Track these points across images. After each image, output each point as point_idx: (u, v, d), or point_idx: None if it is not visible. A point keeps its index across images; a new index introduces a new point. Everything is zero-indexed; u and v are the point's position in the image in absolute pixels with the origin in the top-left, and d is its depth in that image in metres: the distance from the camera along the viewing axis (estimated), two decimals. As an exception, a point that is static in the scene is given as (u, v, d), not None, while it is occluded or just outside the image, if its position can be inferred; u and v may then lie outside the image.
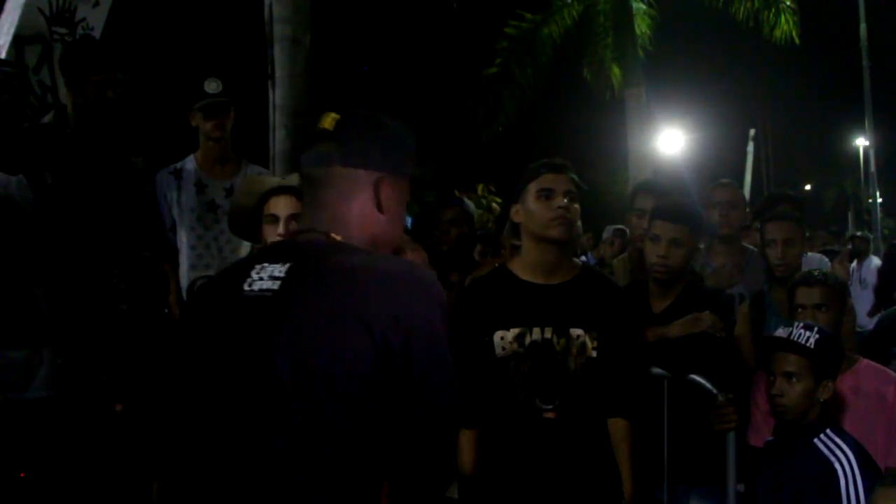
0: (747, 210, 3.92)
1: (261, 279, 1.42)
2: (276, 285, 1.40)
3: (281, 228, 2.51)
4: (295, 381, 1.33)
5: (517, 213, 2.55)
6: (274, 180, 2.66)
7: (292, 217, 2.54)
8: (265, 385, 1.34)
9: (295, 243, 1.51)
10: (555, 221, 2.46)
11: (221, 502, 1.34)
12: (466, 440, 2.52)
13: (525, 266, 2.56)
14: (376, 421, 1.34)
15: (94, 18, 3.92)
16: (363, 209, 1.51)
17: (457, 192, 4.48)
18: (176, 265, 3.47)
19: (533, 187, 2.50)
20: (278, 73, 5.60)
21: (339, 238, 1.47)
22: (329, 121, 1.52)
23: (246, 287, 1.42)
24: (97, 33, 3.91)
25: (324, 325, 1.34)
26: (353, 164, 1.50)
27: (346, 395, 1.32)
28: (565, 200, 2.46)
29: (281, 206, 2.53)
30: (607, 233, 6.33)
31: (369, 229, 1.51)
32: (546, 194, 2.47)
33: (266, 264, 1.44)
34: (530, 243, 2.55)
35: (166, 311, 3.32)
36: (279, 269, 1.42)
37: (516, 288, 2.53)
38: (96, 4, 3.93)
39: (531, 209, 2.50)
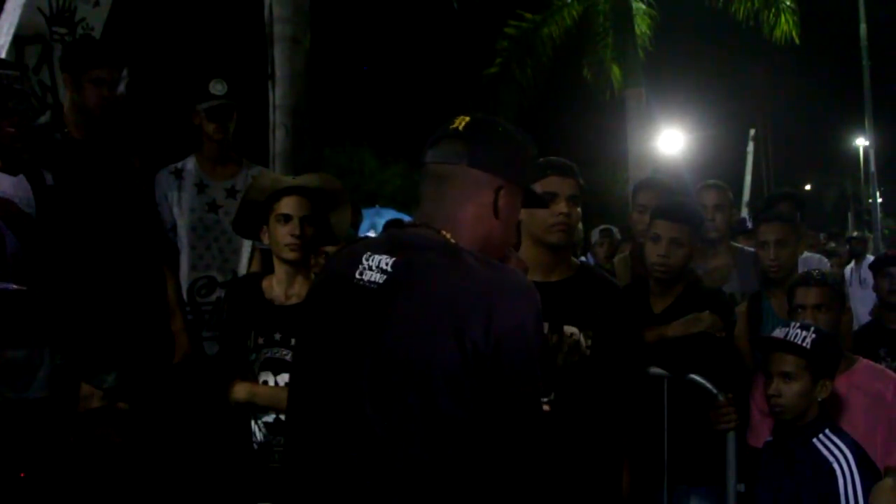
0: (735, 211, 3.91)
1: (370, 269, 1.48)
2: (381, 278, 1.46)
3: (296, 229, 2.52)
4: (385, 375, 1.39)
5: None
6: (286, 179, 2.67)
7: (305, 219, 2.55)
8: (360, 376, 1.41)
9: (406, 235, 1.56)
10: (555, 227, 2.45)
11: (328, 486, 1.43)
12: None
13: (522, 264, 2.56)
14: (461, 419, 1.38)
15: (94, 18, 3.92)
16: (480, 211, 1.54)
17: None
18: (176, 265, 3.47)
19: (537, 188, 2.48)
20: (278, 73, 5.60)
21: (449, 237, 1.51)
22: (461, 122, 1.56)
23: (357, 275, 1.49)
24: (97, 33, 3.91)
25: (418, 325, 1.40)
26: (480, 166, 1.54)
27: (433, 393, 1.37)
28: (568, 205, 2.45)
29: (294, 206, 2.54)
30: (595, 235, 6.31)
31: (482, 232, 1.55)
32: (549, 198, 2.45)
33: (376, 254, 1.50)
34: (529, 242, 2.55)
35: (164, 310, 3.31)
36: (386, 262, 1.48)
37: None
38: (96, 4, 3.93)
39: (533, 210, 2.49)
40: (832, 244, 9.07)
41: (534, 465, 1.44)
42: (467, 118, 1.57)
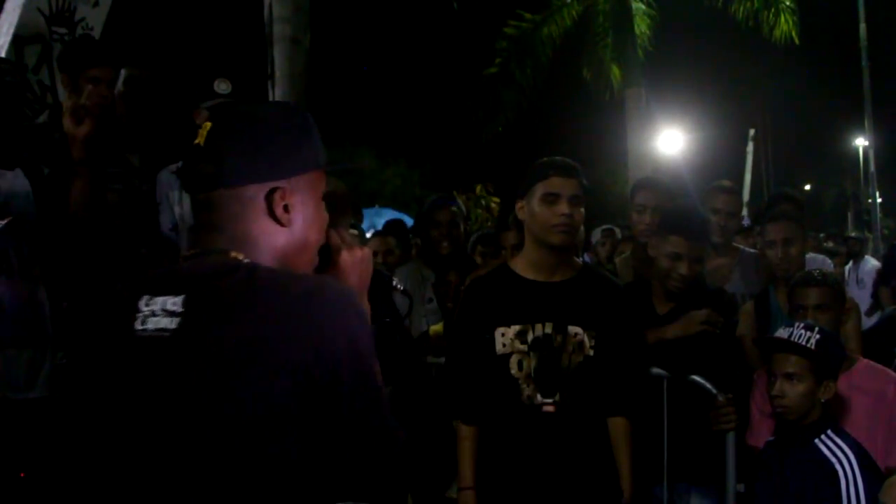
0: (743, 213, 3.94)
1: (154, 315, 1.22)
2: (172, 323, 1.21)
3: None
4: (205, 432, 1.17)
5: (521, 210, 2.54)
6: None
7: None
8: (174, 440, 1.18)
9: (189, 268, 1.29)
10: (557, 228, 2.45)
11: None
12: (467, 436, 2.53)
13: (526, 264, 2.56)
14: (300, 461, 1.19)
15: (94, 18, 3.93)
16: (263, 227, 1.31)
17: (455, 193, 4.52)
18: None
19: (539, 189, 2.47)
20: (278, 72, 5.61)
21: (241, 257, 1.28)
22: (203, 133, 1.31)
23: (138, 326, 1.22)
24: (96, 33, 3.91)
25: (233, 368, 1.17)
26: (238, 183, 1.29)
27: (265, 440, 1.17)
28: (570, 206, 2.44)
29: None
30: (596, 235, 6.30)
31: (277, 244, 1.32)
32: (552, 199, 2.45)
33: (157, 296, 1.24)
34: (531, 243, 2.55)
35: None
36: (173, 302, 1.22)
37: (517, 285, 2.54)
38: (96, 4, 3.93)
39: (535, 211, 2.48)
40: (830, 243, 9.07)
41: (389, 489, 1.29)
42: (208, 124, 1.32)
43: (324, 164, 1.40)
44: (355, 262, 1.43)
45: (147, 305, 1.23)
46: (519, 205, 2.55)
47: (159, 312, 1.22)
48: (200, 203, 1.32)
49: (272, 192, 1.30)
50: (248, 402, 1.16)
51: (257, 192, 1.30)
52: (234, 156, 1.29)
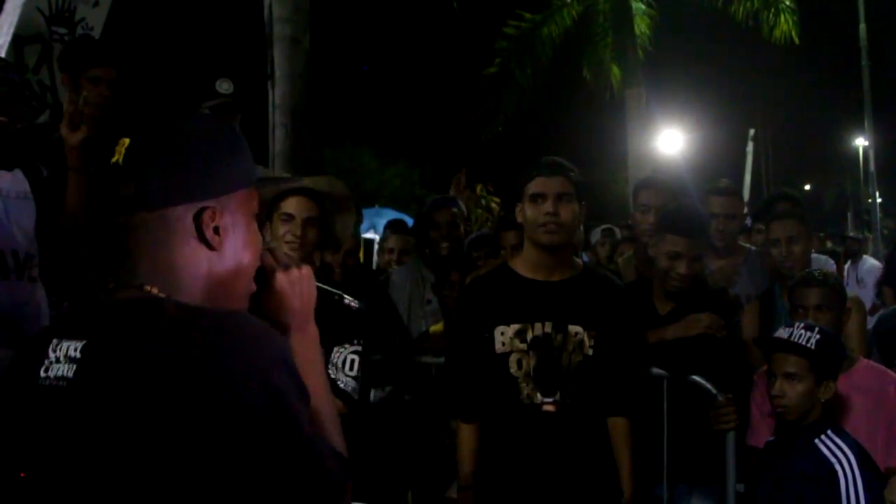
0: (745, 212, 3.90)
1: (58, 361, 1.11)
2: (70, 371, 1.08)
3: (297, 229, 2.52)
4: (90, 494, 1.04)
5: (519, 213, 2.56)
6: (294, 179, 2.66)
7: (308, 220, 2.54)
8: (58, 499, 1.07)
9: (99, 309, 1.18)
10: (542, 228, 2.46)
11: None
12: (467, 433, 2.53)
13: (526, 264, 2.57)
14: None
15: (94, 18, 3.92)
16: (190, 253, 1.18)
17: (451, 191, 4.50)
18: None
19: (528, 190, 2.51)
20: (278, 72, 5.61)
21: (156, 292, 1.16)
22: (121, 149, 1.18)
23: (42, 374, 1.11)
24: (96, 33, 3.91)
25: (124, 423, 1.02)
26: (162, 204, 1.16)
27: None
28: (555, 205, 2.45)
29: (298, 207, 2.53)
30: (596, 235, 6.30)
31: (202, 273, 1.19)
32: (538, 199, 2.47)
33: (65, 340, 1.12)
34: (528, 244, 2.57)
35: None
36: (75, 348, 1.10)
37: (517, 285, 2.54)
38: (96, 4, 3.93)
39: (526, 212, 2.51)
40: (829, 244, 9.07)
41: None
42: (126, 140, 1.18)
43: (255, 182, 1.27)
44: (293, 282, 1.30)
45: (54, 351, 1.12)
46: (518, 207, 2.57)
47: (62, 359, 1.11)
48: (118, 229, 1.18)
49: (201, 212, 1.18)
50: (138, 462, 1.01)
51: (184, 213, 1.17)
52: (157, 174, 1.16)
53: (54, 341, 1.13)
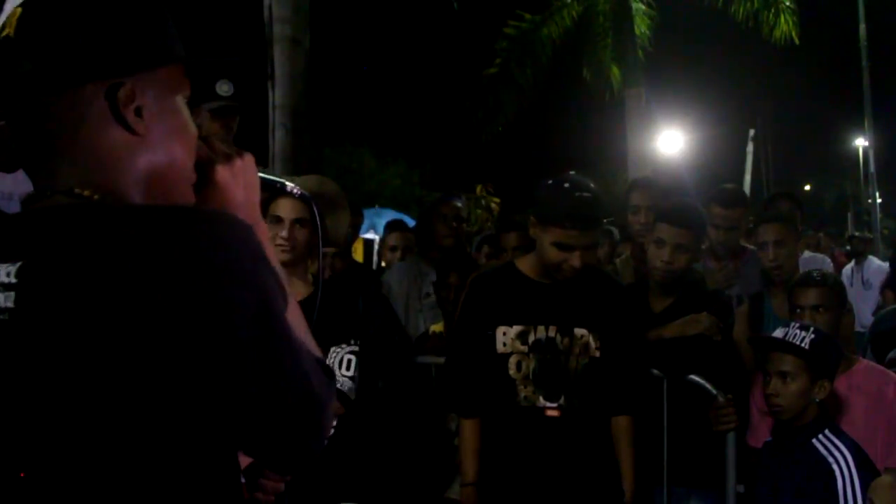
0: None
1: None
2: (8, 300, 0.91)
3: (285, 232, 2.51)
4: (38, 435, 0.93)
5: (533, 227, 2.51)
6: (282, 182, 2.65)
7: (297, 221, 2.54)
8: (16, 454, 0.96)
9: (28, 220, 1.01)
10: (563, 273, 2.45)
11: None
12: (468, 429, 2.54)
13: (532, 265, 2.57)
14: (193, 432, 0.92)
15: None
16: (113, 142, 1.00)
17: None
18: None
19: (554, 232, 2.42)
20: (278, 73, 5.61)
21: (88, 194, 0.98)
22: (12, 23, 0.98)
23: None
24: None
25: (92, 357, 0.87)
26: (67, 83, 0.97)
27: (138, 432, 0.90)
28: (581, 258, 2.41)
29: (286, 209, 2.52)
30: None
31: (133, 168, 1.01)
32: (565, 248, 2.42)
33: None
34: (540, 255, 2.53)
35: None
36: (8, 271, 0.93)
37: (522, 285, 2.54)
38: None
39: (545, 246, 2.46)
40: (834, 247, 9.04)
41: (301, 453, 0.98)
42: (18, 10, 0.98)
43: (182, 58, 1.07)
44: (236, 173, 1.13)
45: None
46: (532, 220, 2.52)
47: None
48: (22, 119, 1.00)
49: (114, 88, 0.98)
50: (109, 394, 0.88)
51: (96, 91, 0.98)
52: (59, 46, 0.96)
53: None
